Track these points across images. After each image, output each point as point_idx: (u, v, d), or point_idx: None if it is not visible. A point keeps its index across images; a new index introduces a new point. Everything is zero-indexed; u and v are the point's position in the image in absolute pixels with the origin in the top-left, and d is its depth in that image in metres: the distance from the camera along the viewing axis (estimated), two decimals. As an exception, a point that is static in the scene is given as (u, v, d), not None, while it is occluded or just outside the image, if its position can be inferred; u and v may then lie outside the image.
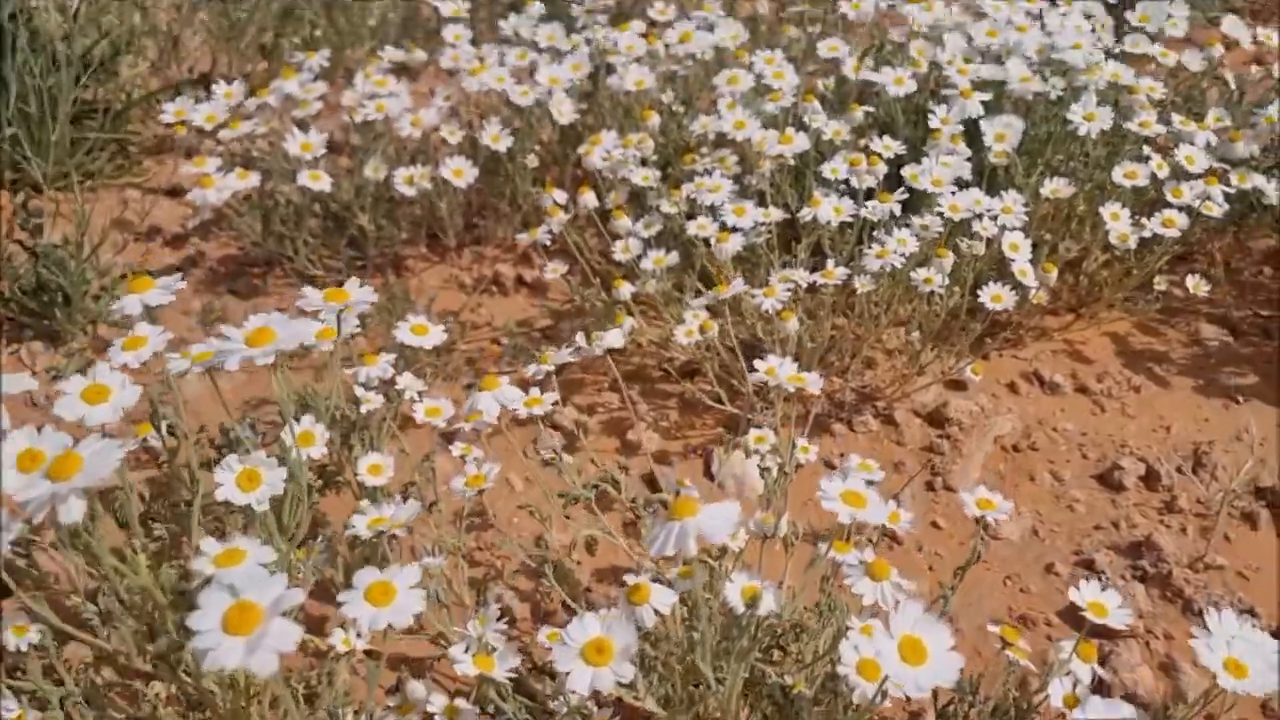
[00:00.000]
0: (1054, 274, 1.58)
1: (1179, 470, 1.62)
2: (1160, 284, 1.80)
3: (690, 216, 1.64)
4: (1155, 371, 1.83)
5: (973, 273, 1.64)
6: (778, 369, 1.19)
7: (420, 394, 1.28)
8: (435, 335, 1.28)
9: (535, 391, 1.22)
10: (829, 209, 1.54)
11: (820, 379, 1.18)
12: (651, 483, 1.59)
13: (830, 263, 1.52)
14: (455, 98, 1.90)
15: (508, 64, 1.93)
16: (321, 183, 1.70)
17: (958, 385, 1.77)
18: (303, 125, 1.82)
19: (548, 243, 1.65)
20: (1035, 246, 1.82)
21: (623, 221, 1.59)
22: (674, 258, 1.57)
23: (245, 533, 1.01)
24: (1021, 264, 1.65)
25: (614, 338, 1.30)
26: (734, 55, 1.90)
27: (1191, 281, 1.79)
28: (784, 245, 1.69)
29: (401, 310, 1.72)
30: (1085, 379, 1.80)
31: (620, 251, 1.62)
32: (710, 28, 1.95)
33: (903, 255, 1.51)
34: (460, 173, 1.77)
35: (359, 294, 1.07)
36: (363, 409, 1.21)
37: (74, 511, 0.72)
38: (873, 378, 1.77)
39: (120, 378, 0.88)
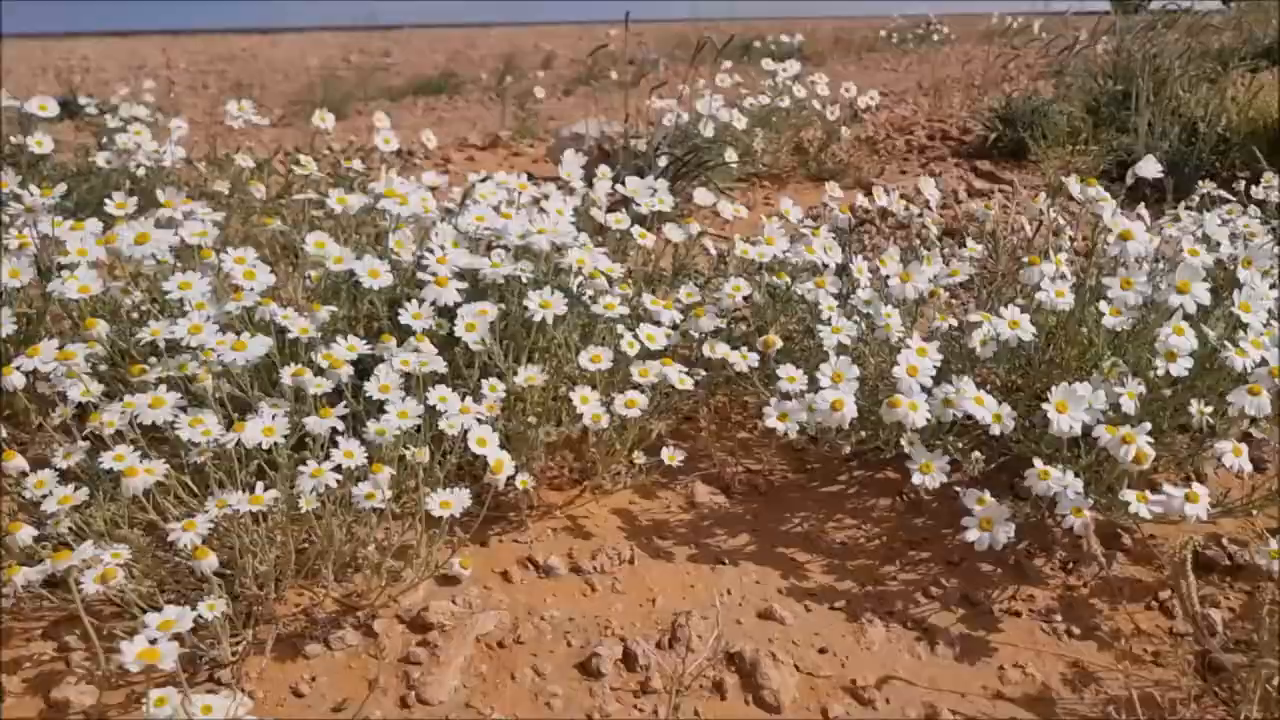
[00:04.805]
0: (502, 475, 1.59)
1: (657, 646, 1.65)
2: (639, 457, 1.87)
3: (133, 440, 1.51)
4: (653, 541, 1.88)
5: (443, 474, 1.63)
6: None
7: None
8: None
9: None
10: (256, 430, 1.46)
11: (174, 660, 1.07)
12: (78, 749, 1.40)
13: (260, 486, 1.43)
14: None
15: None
16: None
17: (451, 580, 1.73)
18: None
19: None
20: (527, 429, 1.85)
21: (14, 462, 1.43)
22: (83, 494, 1.42)
23: None
24: (494, 456, 1.66)
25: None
26: (200, 255, 1.81)
27: (666, 453, 1.87)
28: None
29: None
30: (580, 558, 1.81)
31: (32, 487, 1.45)
32: (174, 225, 1.85)
33: (339, 473, 1.45)
34: None
35: None
36: None
37: None
38: (362, 581, 1.69)
39: None
